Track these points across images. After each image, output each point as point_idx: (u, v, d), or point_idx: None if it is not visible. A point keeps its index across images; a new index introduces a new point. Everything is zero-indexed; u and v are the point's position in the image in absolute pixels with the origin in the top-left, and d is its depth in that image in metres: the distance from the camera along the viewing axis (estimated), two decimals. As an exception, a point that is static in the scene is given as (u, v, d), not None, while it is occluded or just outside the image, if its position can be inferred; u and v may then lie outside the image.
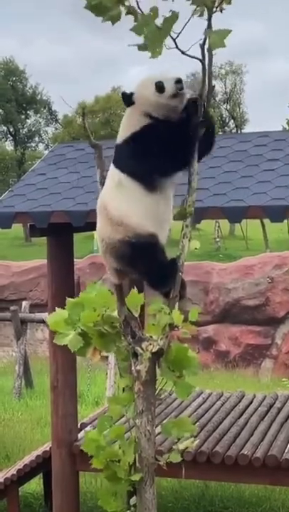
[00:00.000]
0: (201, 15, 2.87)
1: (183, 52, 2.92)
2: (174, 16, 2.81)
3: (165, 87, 3.10)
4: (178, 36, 2.88)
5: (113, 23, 2.88)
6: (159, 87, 3.10)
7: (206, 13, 2.89)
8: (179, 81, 3.10)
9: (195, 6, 2.86)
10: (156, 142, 3.10)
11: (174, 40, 2.88)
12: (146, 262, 3.13)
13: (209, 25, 2.91)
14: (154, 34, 2.83)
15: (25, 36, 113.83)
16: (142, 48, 2.87)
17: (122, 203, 3.13)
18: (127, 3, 2.85)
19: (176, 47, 2.89)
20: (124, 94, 3.20)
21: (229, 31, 2.87)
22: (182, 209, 3.13)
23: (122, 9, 2.86)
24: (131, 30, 2.85)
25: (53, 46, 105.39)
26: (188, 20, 2.86)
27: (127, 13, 2.85)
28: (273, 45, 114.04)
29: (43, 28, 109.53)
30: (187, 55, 2.94)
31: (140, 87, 3.18)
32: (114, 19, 2.88)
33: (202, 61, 3.00)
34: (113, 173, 3.19)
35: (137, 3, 2.84)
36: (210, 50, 2.97)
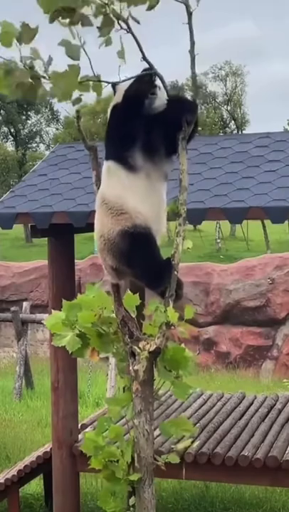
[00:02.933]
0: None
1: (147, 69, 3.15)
2: (75, 69, 2.97)
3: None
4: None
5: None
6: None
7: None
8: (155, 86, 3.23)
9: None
10: (124, 113, 3.19)
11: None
12: (142, 258, 3.16)
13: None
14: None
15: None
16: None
17: (115, 187, 3.22)
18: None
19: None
20: (113, 84, 3.29)
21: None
22: (174, 206, 3.14)
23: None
24: None
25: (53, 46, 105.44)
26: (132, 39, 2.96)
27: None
28: (271, 47, 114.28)
29: (42, 28, 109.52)
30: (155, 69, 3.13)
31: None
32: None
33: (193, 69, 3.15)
34: (104, 167, 3.30)
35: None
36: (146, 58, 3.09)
